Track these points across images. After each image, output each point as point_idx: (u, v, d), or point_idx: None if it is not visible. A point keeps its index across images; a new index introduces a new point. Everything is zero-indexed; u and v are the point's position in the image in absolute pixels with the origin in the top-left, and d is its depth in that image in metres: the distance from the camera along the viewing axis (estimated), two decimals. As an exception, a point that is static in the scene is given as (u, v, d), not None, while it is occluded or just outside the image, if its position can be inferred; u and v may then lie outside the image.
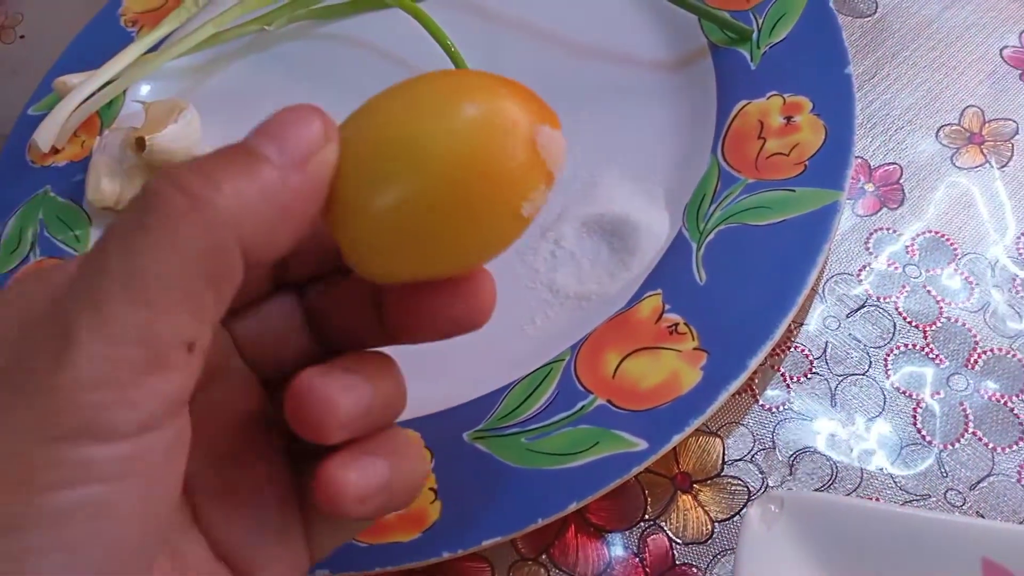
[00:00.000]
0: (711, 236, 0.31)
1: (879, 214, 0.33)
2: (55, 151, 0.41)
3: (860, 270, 0.32)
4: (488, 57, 0.40)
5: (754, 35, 0.35)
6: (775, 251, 0.30)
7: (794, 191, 0.31)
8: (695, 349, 0.29)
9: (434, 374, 0.31)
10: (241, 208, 0.16)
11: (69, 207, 0.39)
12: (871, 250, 0.32)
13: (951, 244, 0.32)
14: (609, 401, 0.29)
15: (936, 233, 0.32)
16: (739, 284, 0.30)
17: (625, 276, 0.32)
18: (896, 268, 0.32)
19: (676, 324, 0.30)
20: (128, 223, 0.16)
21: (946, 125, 0.34)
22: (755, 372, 0.31)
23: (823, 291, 0.32)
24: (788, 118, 0.33)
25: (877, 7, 0.38)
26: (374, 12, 0.43)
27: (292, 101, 0.42)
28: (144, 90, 0.43)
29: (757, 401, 0.30)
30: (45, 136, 0.40)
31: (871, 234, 0.33)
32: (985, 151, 0.33)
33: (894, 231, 0.33)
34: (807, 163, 0.32)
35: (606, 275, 0.33)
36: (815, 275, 0.29)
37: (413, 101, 0.19)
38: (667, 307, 0.30)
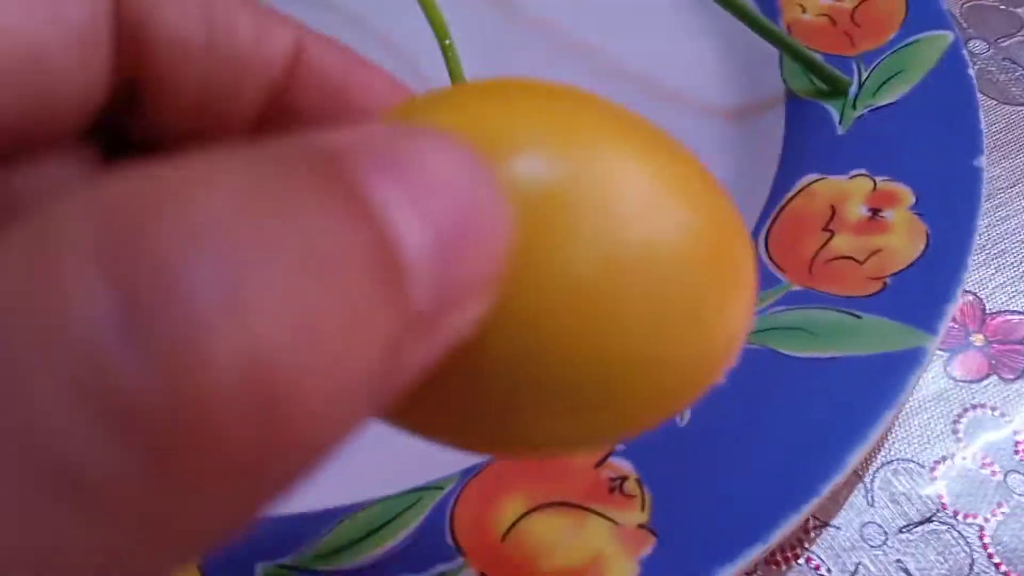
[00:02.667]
0: (717, 356, 0.21)
1: (985, 384, 0.21)
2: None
3: (937, 463, 0.20)
4: (495, 62, 0.30)
5: (852, 90, 0.25)
6: (809, 402, 0.19)
7: (860, 317, 0.20)
8: (640, 527, 0.18)
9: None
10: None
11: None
12: (961, 436, 0.21)
13: (1092, 458, 0.20)
14: (482, 577, 0.18)
15: (1071, 435, 0.20)
16: (740, 440, 0.19)
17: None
18: (995, 473, 0.20)
19: (624, 479, 0.19)
20: None
21: (1113, 276, 0.23)
22: (733, 585, 0.19)
23: (871, 481, 0.20)
24: (875, 211, 0.22)
25: (1037, 93, 0.27)
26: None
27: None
28: None
29: (725, 634, 0.19)
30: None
31: (966, 411, 0.21)
32: None
33: (1002, 414, 0.21)
34: (888, 280, 0.21)
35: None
36: (862, 453, 0.18)
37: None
38: (619, 447, 0.19)
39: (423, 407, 0.10)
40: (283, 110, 0.12)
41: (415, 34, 0.30)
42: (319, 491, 0.20)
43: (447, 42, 0.29)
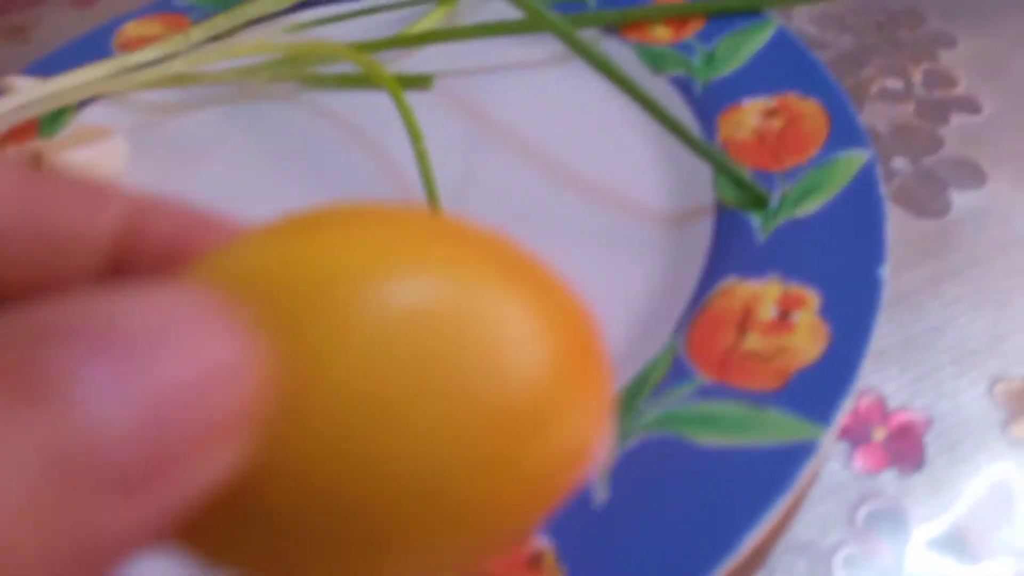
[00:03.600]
0: (634, 442, 0.23)
1: (882, 476, 0.23)
2: (-28, 153, 0.36)
3: (836, 549, 0.22)
4: (465, 165, 0.33)
5: (774, 202, 0.27)
6: (712, 487, 0.21)
7: (762, 411, 0.22)
8: (551, 598, 0.20)
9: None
10: None
11: (-47, 214, 0.34)
12: (858, 526, 0.23)
13: (978, 550, 0.22)
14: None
15: (960, 530, 0.22)
16: (648, 522, 0.21)
17: (510, 464, 0.24)
18: (888, 560, 0.22)
19: (541, 555, 0.21)
20: None
21: (1004, 379, 0.25)
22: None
23: (774, 565, 0.22)
24: (784, 313, 0.24)
25: (950, 208, 0.29)
26: (365, 92, 0.37)
27: (246, 163, 0.36)
28: (99, 113, 0.38)
29: None
30: (-41, 132, 0.35)
31: (863, 501, 0.23)
32: (1056, 428, 0.24)
33: (898, 507, 0.23)
34: (791, 378, 0.23)
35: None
36: (756, 536, 0.20)
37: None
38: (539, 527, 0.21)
39: (219, 541, 0.09)
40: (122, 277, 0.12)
41: (396, 136, 0.33)
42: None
43: (420, 143, 0.32)
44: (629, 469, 0.22)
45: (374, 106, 0.36)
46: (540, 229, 0.30)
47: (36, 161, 0.32)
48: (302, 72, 0.38)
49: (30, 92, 0.36)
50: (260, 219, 0.11)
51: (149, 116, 0.38)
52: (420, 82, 0.37)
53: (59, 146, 0.32)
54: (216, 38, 0.40)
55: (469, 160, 0.34)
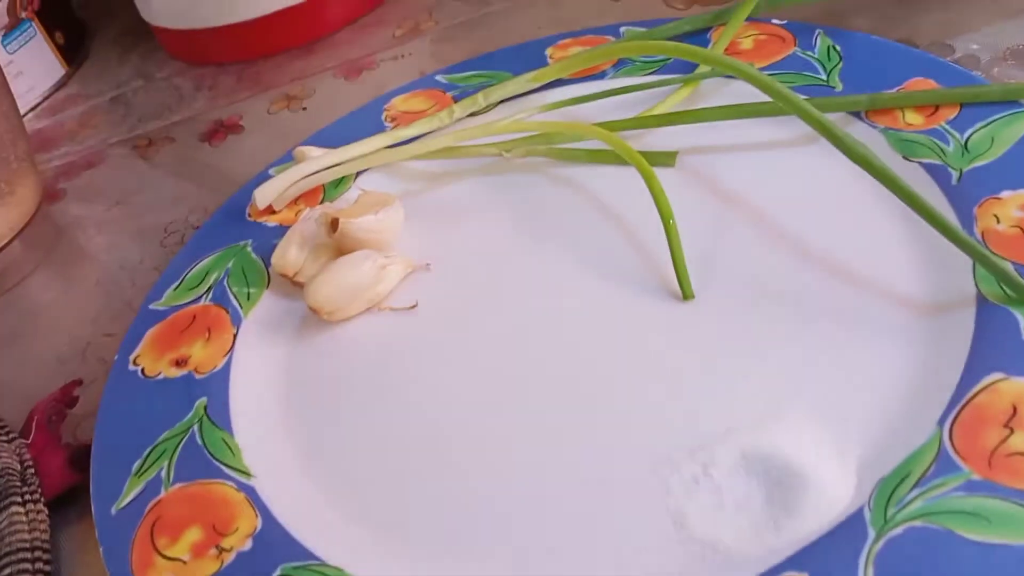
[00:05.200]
0: (899, 530, 0.23)
1: None
2: (271, 211, 0.42)
3: (1111, 657, 0.22)
4: (710, 241, 0.35)
5: (1040, 300, 0.27)
6: (981, 582, 0.22)
7: (1034, 512, 0.23)
8: (822, 672, 0.21)
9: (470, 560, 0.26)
10: None
11: (257, 265, 0.39)
12: None
13: None
14: None
15: None
16: (916, 609, 0.22)
17: (771, 540, 0.25)
18: None
19: (810, 628, 0.22)
20: None
21: None
22: None
23: (1043, 665, 0.22)
24: (1055, 415, 0.24)
25: None
26: (610, 166, 0.40)
27: (504, 229, 0.39)
28: (374, 179, 0.43)
29: None
30: (264, 194, 0.41)
31: None
32: None
33: None
34: (1064, 481, 0.23)
35: (749, 528, 0.26)
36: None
37: None
38: (811, 599, 0.23)
39: None
40: None
41: (639, 209, 0.36)
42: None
43: (671, 221, 0.34)
44: (894, 557, 0.23)
45: (618, 179, 0.39)
46: (790, 311, 0.31)
47: (334, 224, 0.37)
48: (552, 148, 0.41)
49: (321, 160, 0.41)
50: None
51: (417, 183, 0.43)
52: (663, 159, 0.39)
53: (352, 211, 0.37)
54: (475, 114, 0.44)
55: (712, 237, 0.35)
